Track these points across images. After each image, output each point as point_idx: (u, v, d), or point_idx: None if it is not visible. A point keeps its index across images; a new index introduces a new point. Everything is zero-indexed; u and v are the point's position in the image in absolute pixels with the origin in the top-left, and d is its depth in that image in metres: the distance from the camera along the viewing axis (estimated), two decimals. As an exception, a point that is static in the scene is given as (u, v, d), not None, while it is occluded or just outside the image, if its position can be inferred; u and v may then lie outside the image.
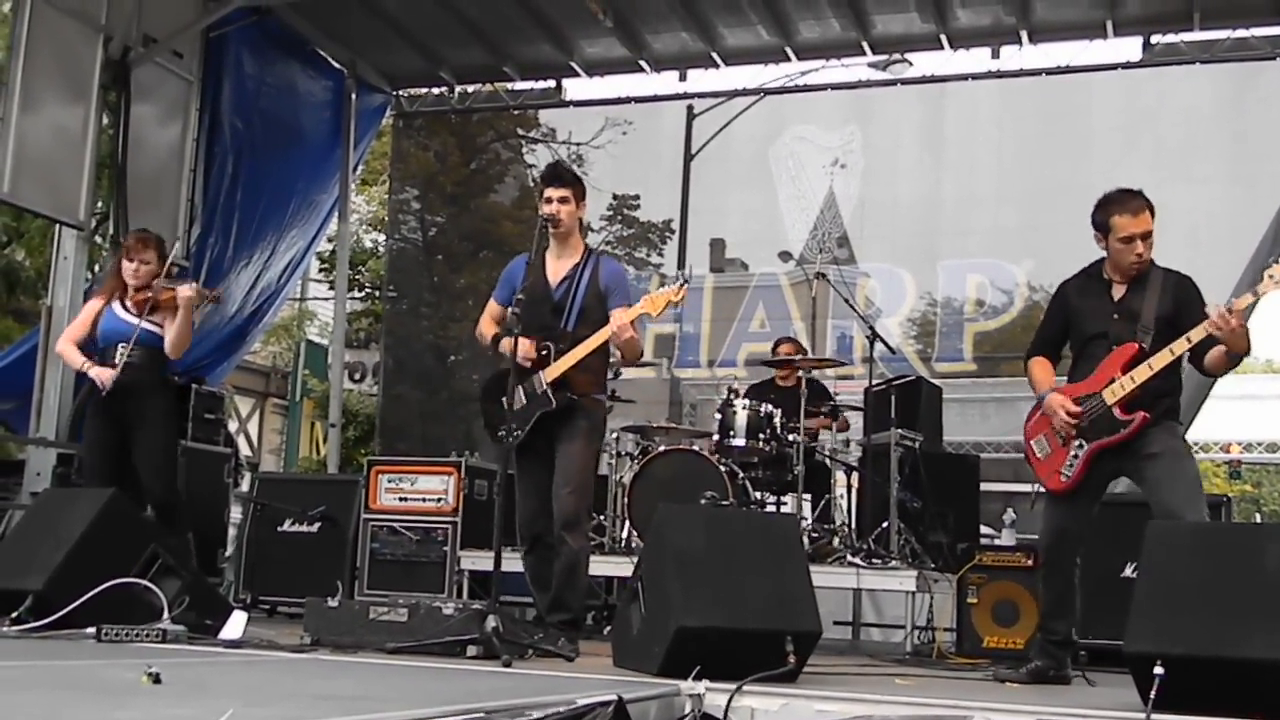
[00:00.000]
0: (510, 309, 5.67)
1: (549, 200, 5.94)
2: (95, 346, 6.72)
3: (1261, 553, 4.04)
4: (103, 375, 6.56)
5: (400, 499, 8.45)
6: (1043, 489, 5.47)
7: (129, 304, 6.70)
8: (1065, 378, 5.45)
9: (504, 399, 5.73)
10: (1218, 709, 3.71)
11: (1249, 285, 5.63)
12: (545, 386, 5.78)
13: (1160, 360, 5.06)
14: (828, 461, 8.33)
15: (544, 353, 5.82)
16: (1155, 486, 5.09)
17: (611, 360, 6.42)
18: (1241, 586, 3.99)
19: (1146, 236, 5.20)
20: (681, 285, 5.83)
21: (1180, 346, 5.04)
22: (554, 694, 3.50)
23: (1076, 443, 5.21)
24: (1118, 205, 5.26)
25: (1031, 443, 5.41)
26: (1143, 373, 5.07)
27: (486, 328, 6.06)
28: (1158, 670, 3.76)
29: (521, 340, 5.62)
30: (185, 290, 6.59)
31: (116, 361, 6.55)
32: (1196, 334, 4.99)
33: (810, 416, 8.14)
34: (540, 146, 12.57)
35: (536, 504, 5.92)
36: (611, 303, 5.90)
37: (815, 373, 8.54)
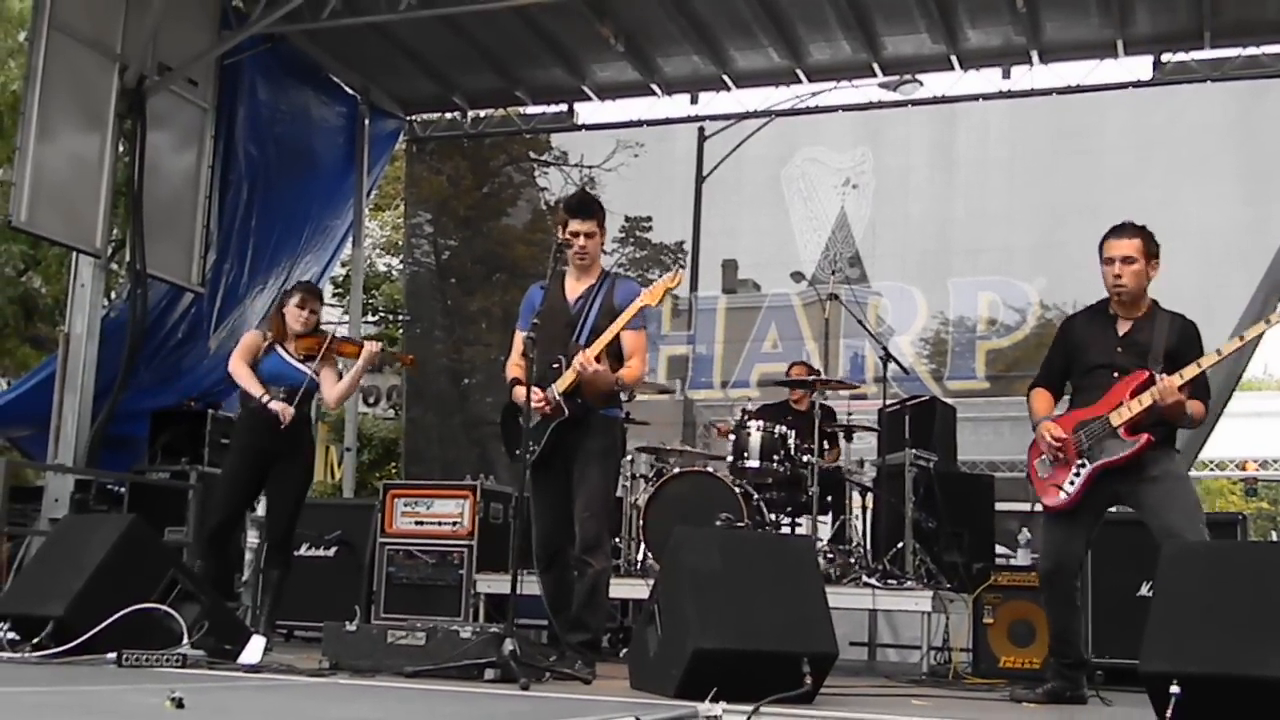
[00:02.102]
0: (526, 334, 5.69)
1: (576, 234, 5.90)
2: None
3: (1277, 571, 4.04)
4: (285, 412, 6.56)
5: (416, 523, 8.45)
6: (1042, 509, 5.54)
7: (292, 349, 6.74)
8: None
9: (519, 419, 5.75)
10: (1235, 728, 3.72)
11: (1256, 313, 5.74)
12: (558, 397, 5.78)
13: (1149, 398, 5.14)
14: (845, 479, 8.34)
15: (555, 366, 5.83)
16: (1155, 510, 5.15)
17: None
18: (1257, 605, 3.99)
19: (1127, 260, 5.34)
20: (677, 272, 5.89)
21: (1163, 395, 5.12)
22: (572, 716, 3.52)
23: (1080, 462, 5.27)
24: (1110, 231, 5.48)
25: (1035, 462, 5.48)
26: (1148, 399, 5.14)
27: (512, 368, 6.02)
28: (1174, 689, 3.77)
29: (523, 391, 5.67)
30: (372, 346, 6.71)
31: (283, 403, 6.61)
32: (1134, 404, 5.15)
33: (824, 438, 8.15)
34: (552, 170, 12.64)
35: (553, 523, 5.90)
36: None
37: (829, 394, 8.54)
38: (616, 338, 5.78)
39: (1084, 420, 5.29)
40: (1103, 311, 5.53)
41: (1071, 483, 5.27)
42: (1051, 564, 5.40)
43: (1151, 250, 5.40)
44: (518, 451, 5.79)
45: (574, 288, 6.03)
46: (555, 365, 5.82)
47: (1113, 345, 5.38)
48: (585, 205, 6.11)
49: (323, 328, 6.92)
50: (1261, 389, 30.58)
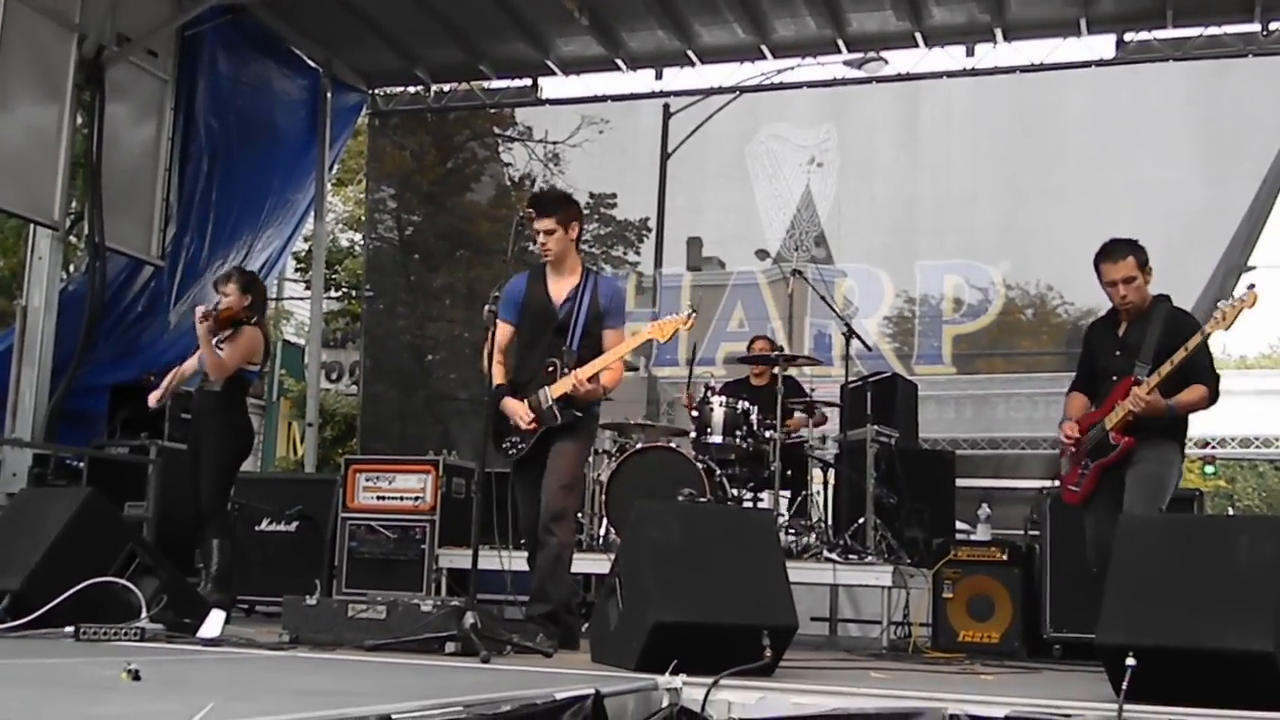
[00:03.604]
0: (487, 306, 5.71)
1: (537, 231, 6.01)
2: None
3: (1231, 545, 4.08)
4: (152, 397, 7.25)
5: (378, 498, 8.45)
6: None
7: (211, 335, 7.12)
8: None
9: (507, 421, 5.95)
10: (1189, 699, 3.75)
11: (1215, 294, 6.08)
12: (551, 402, 5.88)
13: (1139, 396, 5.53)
14: (805, 453, 8.37)
15: (550, 370, 5.92)
16: (1127, 490, 5.58)
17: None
18: (1212, 578, 4.03)
19: (1129, 280, 5.72)
20: (690, 314, 6.08)
21: (1134, 404, 5.53)
22: (532, 689, 3.51)
23: (1085, 461, 5.78)
24: (1103, 254, 5.81)
25: (1062, 459, 6.03)
26: (1128, 405, 5.58)
27: (496, 369, 5.98)
28: (1130, 662, 3.80)
29: (517, 406, 5.90)
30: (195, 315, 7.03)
31: (201, 388, 7.18)
32: (1120, 409, 5.60)
33: (788, 413, 8.17)
34: (516, 145, 12.56)
35: (537, 514, 5.99)
36: (607, 323, 6.03)
37: (791, 370, 8.56)
38: (600, 337, 5.94)
39: (1093, 423, 5.76)
40: (1111, 315, 5.94)
41: (1080, 481, 5.81)
42: (1091, 557, 5.75)
43: (1143, 260, 5.78)
44: (504, 444, 5.99)
45: (558, 288, 6.10)
46: (550, 369, 5.91)
47: (1112, 349, 5.83)
48: (540, 202, 6.20)
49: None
50: (1220, 369, 30.84)
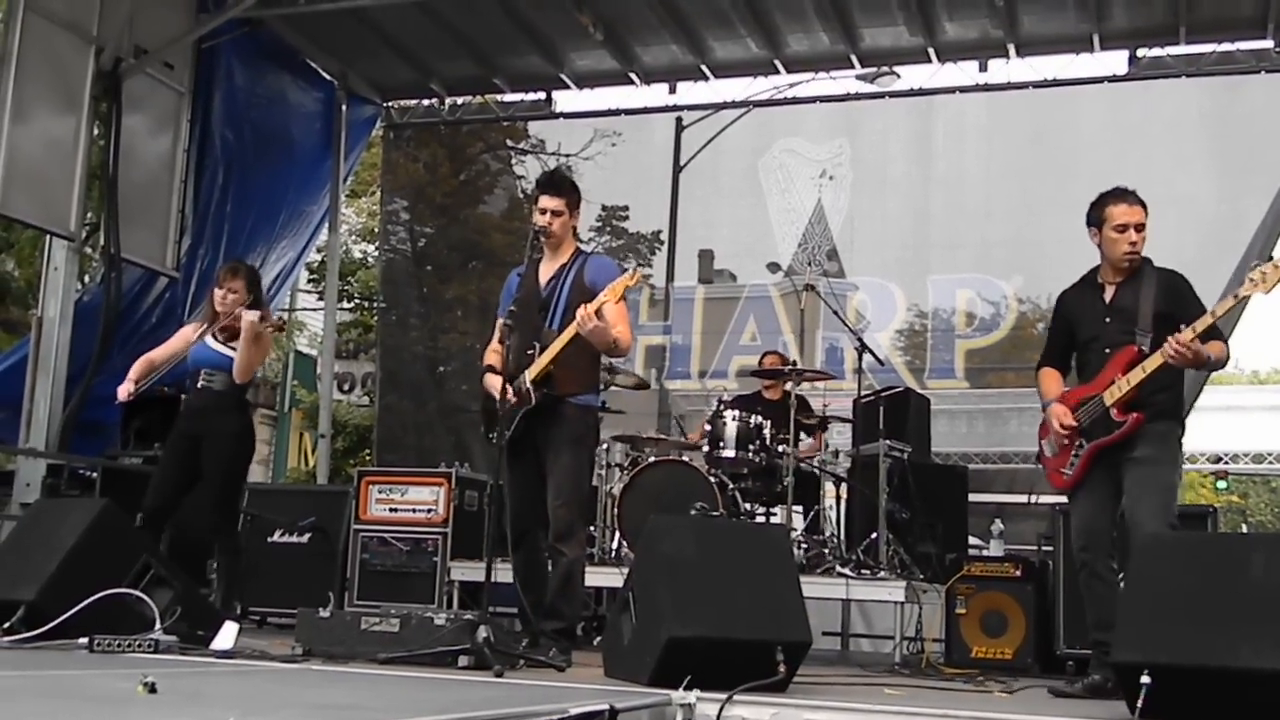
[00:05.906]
0: (503, 320, 5.72)
1: (543, 210, 5.92)
2: (185, 369, 6.86)
3: (1247, 562, 4.07)
4: (121, 390, 6.74)
5: (390, 510, 8.44)
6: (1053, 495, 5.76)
7: (216, 331, 6.79)
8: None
9: (495, 404, 5.80)
10: (1204, 718, 3.74)
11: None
12: (528, 385, 5.79)
13: (1152, 363, 5.16)
14: (817, 473, 8.36)
15: (530, 352, 5.85)
16: (1129, 493, 5.23)
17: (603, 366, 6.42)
18: (1228, 596, 4.02)
19: (1140, 228, 5.38)
20: (634, 270, 5.93)
21: (1154, 363, 5.15)
22: (546, 703, 3.52)
23: (1078, 442, 5.36)
24: (1113, 196, 5.46)
25: (1043, 442, 5.60)
26: (1137, 375, 5.19)
27: (489, 354, 6.01)
28: (1145, 679, 3.80)
29: (493, 379, 5.80)
30: (248, 315, 6.59)
31: (199, 385, 6.72)
32: (1152, 363, 5.14)
33: (798, 428, 8.16)
34: (530, 158, 12.60)
35: (522, 505, 5.95)
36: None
37: (805, 386, 8.55)
38: (599, 313, 5.68)
39: (1083, 398, 5.37)
40: (1090, 282, 5.57)
41: (1071, 464, 5.38)
42: (1078, 541, 5.44)
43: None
44: (492, 436, 5.88)
45: (546, 271, 6.04)
46: (530, 352, 5.85)
47: (1100, 315, 5.44)
48: (554, 182, 6.11)
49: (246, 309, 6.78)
50: (1232, 383, 30.80)
